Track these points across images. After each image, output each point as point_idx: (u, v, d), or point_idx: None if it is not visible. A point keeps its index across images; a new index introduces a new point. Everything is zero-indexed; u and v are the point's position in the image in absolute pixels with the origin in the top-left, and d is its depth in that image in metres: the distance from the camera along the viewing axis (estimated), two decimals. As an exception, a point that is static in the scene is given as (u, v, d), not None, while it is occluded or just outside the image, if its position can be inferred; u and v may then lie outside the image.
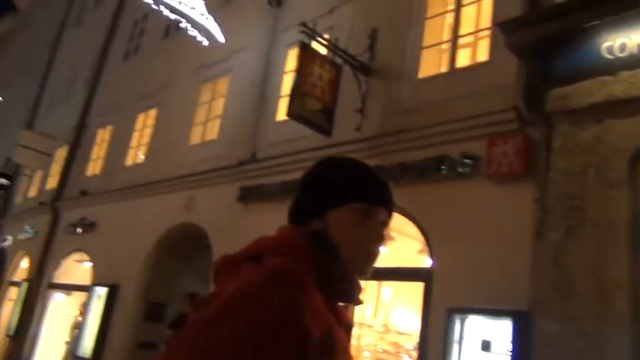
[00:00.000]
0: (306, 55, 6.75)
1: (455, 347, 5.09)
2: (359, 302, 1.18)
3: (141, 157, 11.54)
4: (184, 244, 9.82)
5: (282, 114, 7.72)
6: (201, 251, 9.43)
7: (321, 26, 7.35)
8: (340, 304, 1.17)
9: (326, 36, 7.31)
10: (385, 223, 1.24)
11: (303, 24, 6.83)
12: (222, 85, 9.95)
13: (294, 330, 0.97)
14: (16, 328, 12.84)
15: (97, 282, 10.89)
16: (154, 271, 9.93)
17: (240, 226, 8.06)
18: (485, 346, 4.87)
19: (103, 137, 13.14)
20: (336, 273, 1.12)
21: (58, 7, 19.80)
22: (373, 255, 1.21)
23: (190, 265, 10.09)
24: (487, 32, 6.25)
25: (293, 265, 1.06)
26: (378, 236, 1.23)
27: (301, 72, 6.61)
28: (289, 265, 1.06)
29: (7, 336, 13.41)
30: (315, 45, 6.97)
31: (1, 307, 15.24)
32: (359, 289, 1.18)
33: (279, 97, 8.46)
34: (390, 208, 1.26)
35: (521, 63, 5.16)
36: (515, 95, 5.20)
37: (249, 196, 8.21)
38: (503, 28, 5.10)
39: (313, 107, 6.66)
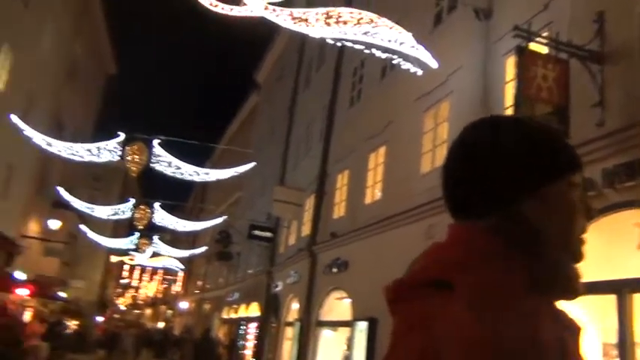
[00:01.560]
0: (525, 58, 6.37)
1: None
2: (580, 294, 0.89)
3: (378, 193, 12.09)
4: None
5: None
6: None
7: (537, 25, 6.90)
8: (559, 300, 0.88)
9: (544, 34, 6.81)
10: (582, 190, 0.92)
11: (517, 27, 6.50)
12: (444, 109, 9.96)
13: None
14: (295, 364, 14.31)
15: (357, 317, 11.54)
16: (407, 302, 10.11)
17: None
18: None
19: (342, 181, 14.19)
20: (553, 271, 0.85)
21: (289, 75, 22.47)
22: (585, 231, 0.91)
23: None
24: None
25: (505, 288, 0.80)
26: (589, 208, 0.92)
27: (523, 77, 6.25)
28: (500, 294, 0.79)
29: (290, 371, 15.01)
30: (533, 46, 6.55)
31: (281, 346, 17.18)
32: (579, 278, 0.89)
33: (503, 109, 8.08)
34: (581, 168, 0.93)
35: None
36: None
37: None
38: None
39: (543, 111, 6.19)
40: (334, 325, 13.70)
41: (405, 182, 10.59)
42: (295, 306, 16.35)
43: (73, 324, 24.22)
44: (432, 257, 0.89)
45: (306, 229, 16.11)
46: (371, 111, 13.11)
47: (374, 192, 12.22)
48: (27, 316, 23.79)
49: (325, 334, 14.04)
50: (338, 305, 13.64)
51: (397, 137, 11.41)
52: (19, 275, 20.69)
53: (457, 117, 9.40)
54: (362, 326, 11.13)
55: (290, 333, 16.75)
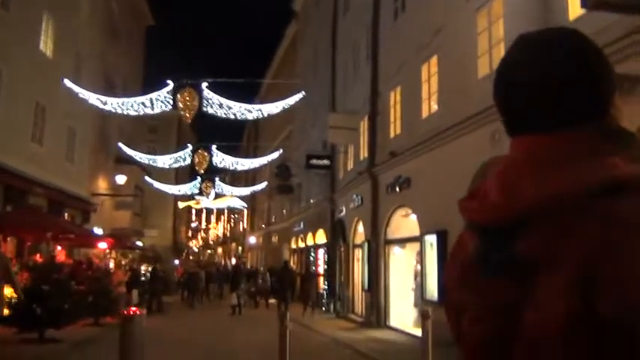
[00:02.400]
0: None
1: None
2: None
3: (434, 106, 11.75)
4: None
5: (574, 11, 6.81)
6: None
7: None
8: None
9: None
10: None
11: None
12: (497, 5, 9.35)
13: None
14: (368, 283, 14.67)
15: (425, 231, 11.58)
16: (476, 210, 10.00)
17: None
18: None
19: (395, 99, 13.86)
20: None
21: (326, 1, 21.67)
22: None
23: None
24: None
25: None
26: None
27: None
28: None
29: (364, 290, 15.43)
30: None
31: (352, 268, 17.63)
32: None
33: (563, -4, 7.49)
34: None
35: None
36: None
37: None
38: None
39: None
40: (402, 242, 13.85)
41: (462, 90, 10.20)
42: (361, 228, 16.58)
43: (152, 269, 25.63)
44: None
45: (364, 152, 16.04)
46: (417, 20, 12.51)
47: (430, 105, 11.88)
48: (111, 266, 25.47)
49: (394, 251, 14.25)
50: (404, 222, 13.71)
51: (449, 43, 10.89)
52: (98, 231, 21.95)
53: (513, 12, 8.81)
54: (431, 239, 11.18)
55: (359, 254, 17.12)
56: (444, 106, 11.20)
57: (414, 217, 12.90)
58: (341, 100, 19.48)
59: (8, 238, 15.88)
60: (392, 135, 13.96)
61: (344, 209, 18.58)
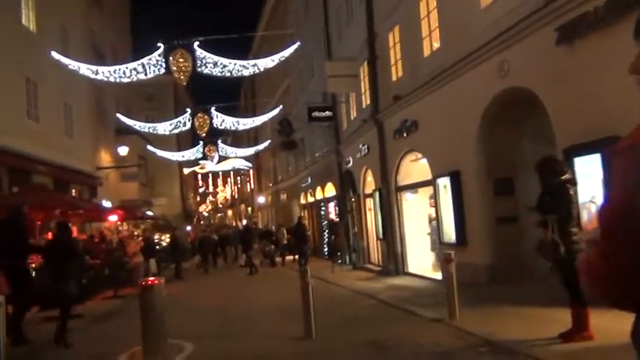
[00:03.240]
0: None
1: None
2: None
3: (436, 44, 11.27)
4: (510, 111, 9.30)
5: None
6: (530, 113, 8.79)
7: None
8: None
9: None
10: None
11: None
12: None
13: None
14: (383, 232, 14.55)
15: (437, 174, 11.32)
16: (489, 147, 9.72)
17: (569, 71, 7.15)
18: None
19: (394, 39, 13.34)
20: None
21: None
22: None
23: (523, 130, 9.55)
24: None
25: None
26: None
27: None
28: None
29: (378, 239, 15.34)
30: None
31: (365, 218, 17.51)
32: None
33: None
34: None
35: None
36: None
37: (569, 34, 7.12)
38: None
39: None
40: (414, 187, 13.62)
41: (464, 23, 9.72)
42: (370, 177, 16.35)
43: (165, 237, 25.71)
44: None
45: (366, 99, 15.62)
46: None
47: (431, 42, 11.38)
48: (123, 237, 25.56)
49: (407, 197, 14.04)
50: (414, 167, 13.46)
51: (447, -26, 10.32)
52: (106, 204, 21.87)
53: None
54: (444, 181, 10.94)
55: (370, 204, 16.95)
56: (446, 42, 10.73)
57: (423, 161, 12.63)
58: (337, 47, 18.89)
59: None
60: (394, 78, 13.52)
61: (351, 160, 18.31)
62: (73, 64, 15.31)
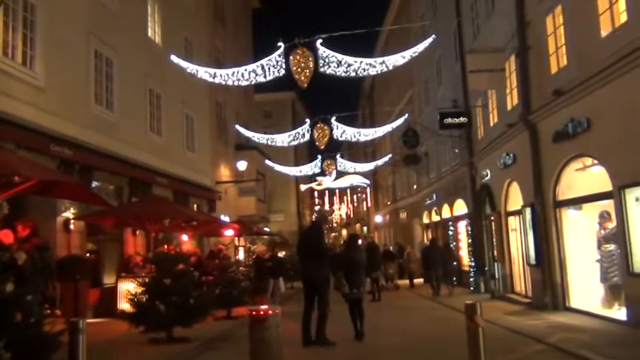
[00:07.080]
0: None
1: None
2: None
3: (620, 17, 8.84)
4: None
5: None
6: None
7: None
8: None
9: None
10: None
11: None
12: None
13: None
14: (536, 256, 12.05)
15: (621, 184, 8.79)
16: None
17: None
18: None
19: (554, 23, 11.01)
20: None
21: None
22: None
23: None
24: None
25: None
26: None
27: None
28: None
29: (528, 265, 12.83)
30: None
31: (506, 239, 15.01)
32: None
33: None
34: None
35: None
36: None
37: None
38: None
39: None
40: (580, 201, 11.05)
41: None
42: (516, 191, 13.91)
43: (283, 254, 24.79)
44: None
45: (513, 100, 13.32)
46: None
47: (613, 16, 8.95)
48: (240, 254, 25.00)
49: (569, 214, 11.47)
50: (579, 177, 10.95)
51: None
52: (225, 218, 21.35)
53: None
54: (636, 193, 8.41)
55: (514, 223, 14.50)
56: (637, 13, 8.30)
57: (595, 168, 10.12)
58: (470, 42, 16.72)
59: (137, 232, 15.47)
60: (553, 70, 11.13)
61: (488, 172, 15.96)
62: (190, 67, 14.74)
